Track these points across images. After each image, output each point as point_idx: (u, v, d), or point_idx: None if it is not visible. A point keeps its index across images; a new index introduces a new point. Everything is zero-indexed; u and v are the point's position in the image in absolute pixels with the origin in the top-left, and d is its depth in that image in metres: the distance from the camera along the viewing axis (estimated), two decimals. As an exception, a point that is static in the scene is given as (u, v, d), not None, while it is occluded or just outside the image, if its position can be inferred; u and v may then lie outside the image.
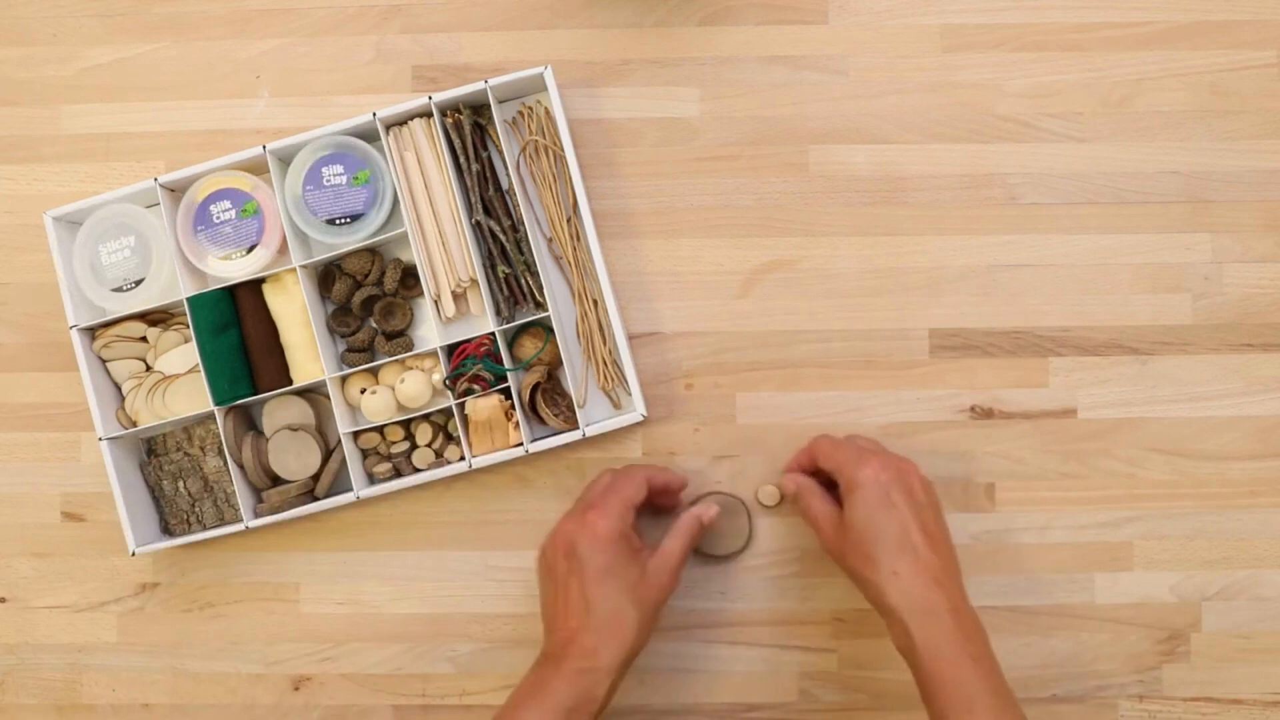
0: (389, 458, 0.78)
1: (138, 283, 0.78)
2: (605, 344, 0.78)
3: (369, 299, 0.78)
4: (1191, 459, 0.79)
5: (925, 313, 0.79)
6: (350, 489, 0.76)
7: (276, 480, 0.78)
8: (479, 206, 0.77)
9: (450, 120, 0.77)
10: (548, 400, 0.78)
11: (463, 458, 0.77)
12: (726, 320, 0.80)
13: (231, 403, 0.77)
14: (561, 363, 0.77)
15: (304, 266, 0.77)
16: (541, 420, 0.77)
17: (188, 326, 0.77)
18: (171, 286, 0.78)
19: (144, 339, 0.79)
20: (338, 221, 0.77)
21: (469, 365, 0.76)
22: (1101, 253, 0.79)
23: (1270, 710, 0.78)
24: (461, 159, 0.77)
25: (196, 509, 0.79)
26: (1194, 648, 0.78)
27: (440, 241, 0.77)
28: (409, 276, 0.79)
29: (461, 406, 0.76)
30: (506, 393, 0.77)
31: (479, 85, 0.76)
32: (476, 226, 0.78)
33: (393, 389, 0.77)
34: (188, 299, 0.76)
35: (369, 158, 0.77)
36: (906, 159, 0.80)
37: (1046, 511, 0.79)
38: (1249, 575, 0.78)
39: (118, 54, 0.82)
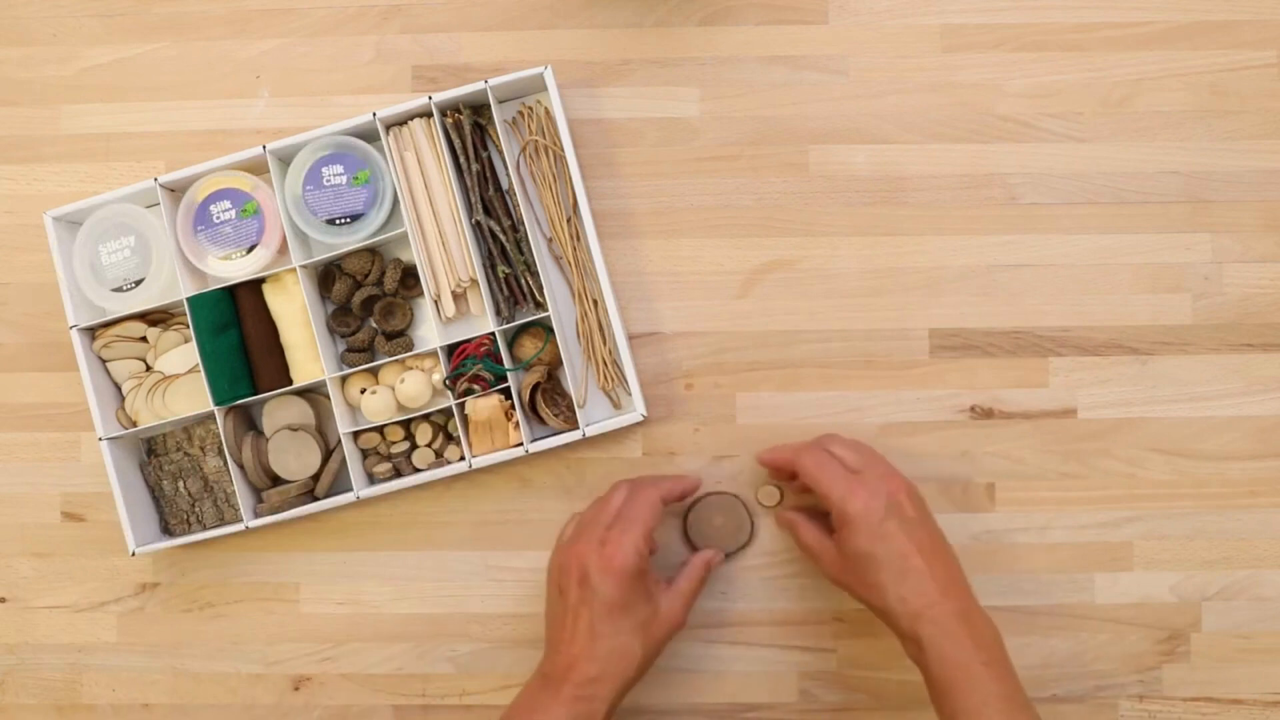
0: (389, 458, 0.78)
1: (138, 283, 0.78)
2: (605, 344, 0.78)
3: (369, 299, 0.78)
4: (1191, 459, 0.79)
5: (925, 313, 0.79)
6: (350, 489, 0.76)
7: (276, 480, 0.78)
8: (479, 206, 0.77)
9: (450, 120, 0.77)
10: (548, 400, 0.78)
11: (463, 458, 0.77)
12: (726, 320, 0.80)
13: (231, 403, 0.77)
14: (561, 363, 0.77)
15: (304, 266, 0.77)
16: (541, 420, 0.77)
17: (188, 326, 0.77)
18: (171, 286, 0.78)
19: (144, 339, 0.79)
20: (338, 221, 0.77)
21: (469, 365, 0.76)
22: (1101, 253, 0.79)
23: (1270, 710, 0.78)
24: (461, 159, 0.77)
25: (196, 509, 0.79)
26: (1194, 648, 0.78)
27: (440, 241, 0.77)
28: (409, 276, 0.79)
29: (461, 406, 0.76)
30: (506, 393, 0.77)
31: (479, 85, 0.76)
32: (476, 226, 0.78)
33: (393, 389, 0.77)
34: (188, 299, 0.76)
35: (369, 158, 0.77)
36: (906, 159, 0.80)
37: (1046, 511, 0.79)
38: (1249, 575, 0.78)
39: (118, 54, 0.82)
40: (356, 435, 0.78)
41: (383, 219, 0.77)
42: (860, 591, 0.69)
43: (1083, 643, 0.78)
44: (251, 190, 0.77)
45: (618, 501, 0.72)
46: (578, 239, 0.79)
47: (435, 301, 0.77)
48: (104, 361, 0.78)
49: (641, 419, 0.76)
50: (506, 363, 0.76)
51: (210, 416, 0.78)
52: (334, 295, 0.78)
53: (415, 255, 0.76)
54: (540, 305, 0.77)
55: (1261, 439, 0.79)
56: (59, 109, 0.82)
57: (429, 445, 0.78)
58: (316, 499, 0.78)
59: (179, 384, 0.78)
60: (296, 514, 0.76)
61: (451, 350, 0.78)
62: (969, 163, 0.80)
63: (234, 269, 0.77)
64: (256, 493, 0.78)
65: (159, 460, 0.79)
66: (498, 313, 0.77)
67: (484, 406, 0.76)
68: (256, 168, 0.78)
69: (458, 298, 0.78)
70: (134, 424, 0.78)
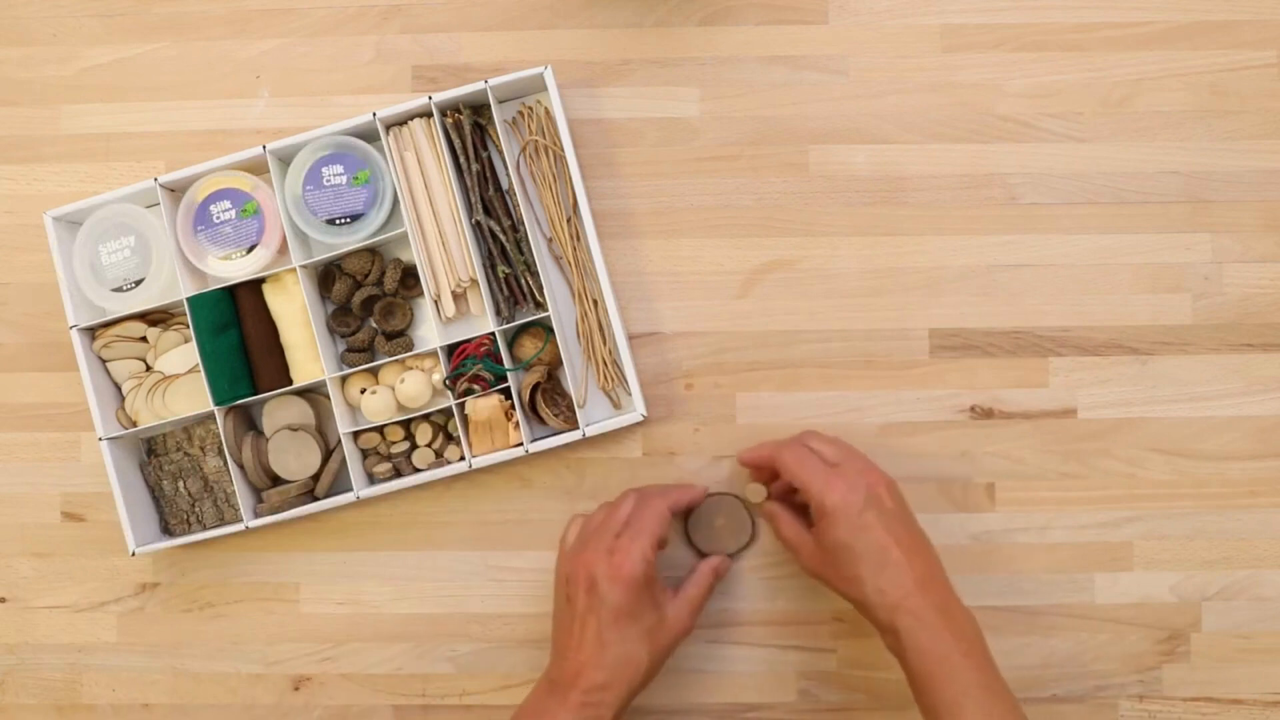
0: (389, 458, 0.78)
1: (138, 283, 0.78)
2: (605, 344, 0.78)
3: (369, 299, 0.78)
4: (1191, 459, 0.79)
5: (925, 313, 0.79)
6: (350, 489, 0.76)
7: (276, 480, 0.78)
8: (479, 206, 0.77)
9: (450, 120, 0.77)
10: (548, 400, 0.78)
11: (463, 458, 0.77)
12: (726, 320, 0.80)
13: (231, 403, 0.77)
14: (561, 363, 0.77)
15: (304, 266, 0.77)
16: (541, 420, 0.77)
17: (188, 326, 0.77)
18: (171, 286, 0.78)
19: (144, 339, 0.79)
20: (338, 221, 0.77)
21: (469, 365, 0.76)
22: (1101, 253, 0.79)
23: (1270, 710, 0.78)
24: (461, 159, 0.77)
25: (196, 509, 0.79)
26: (1194, 648, 0.78)
27: (440, 241, 0.77)
28: (409, 276, 0.79)
29: (461, 406, 0.76)
30: (506, 393, 0.77)
31: (479, 85, 0.76)
32: (476, 226, 0.78)
33: (393, 389, 0.77)
34: (188, 299, 0.76)
35: (369, 158, 0.77)
36: (906, 159, 0.80)
37: (1046, 511, 0.79)
38: (1249, 575, 0.78)
39: (118, 54, 0.82)
40: (356, 435, 0.78)
41: (383, 219, 0.77)
42: (839, 584, 0.69)
43: (1083, 643, 0.78)
44: (251, 190, 0.77)
45: (626, 510, 0.72)
46: (578, 239, 0.79)
47: (435, 301, 0.77)
48: (104, 361, 0.78)
49: (641, 419, 0.76)
50: (506, 363, 0.76)
51: (210, 416, 0.78)
52: (334, 295, 0.78)
53: (415, 255, 0.76)
54: (540, 305, 0.77)
55: (1261, 439, 0.79)
56: (59, 109, 0.82)
57: (429, 445, 0.78)
58: (316, 499, 0.78)
59: (179, 384, 0.78)
60: (296, 514, 0.76)
61: (451, 350, 0.78)
62: (969, 163, 0.80)
63: (234, 269, 0.77)
64: (256, 493, 0.78)
65: (159, 460, 0.79)
66: (498, 313, 0.77)
67: (484, 406, 0.76)
68: (256, 168, 0.78)
69: (458, 298, 0.78)
70: (134, 424, 0.78)
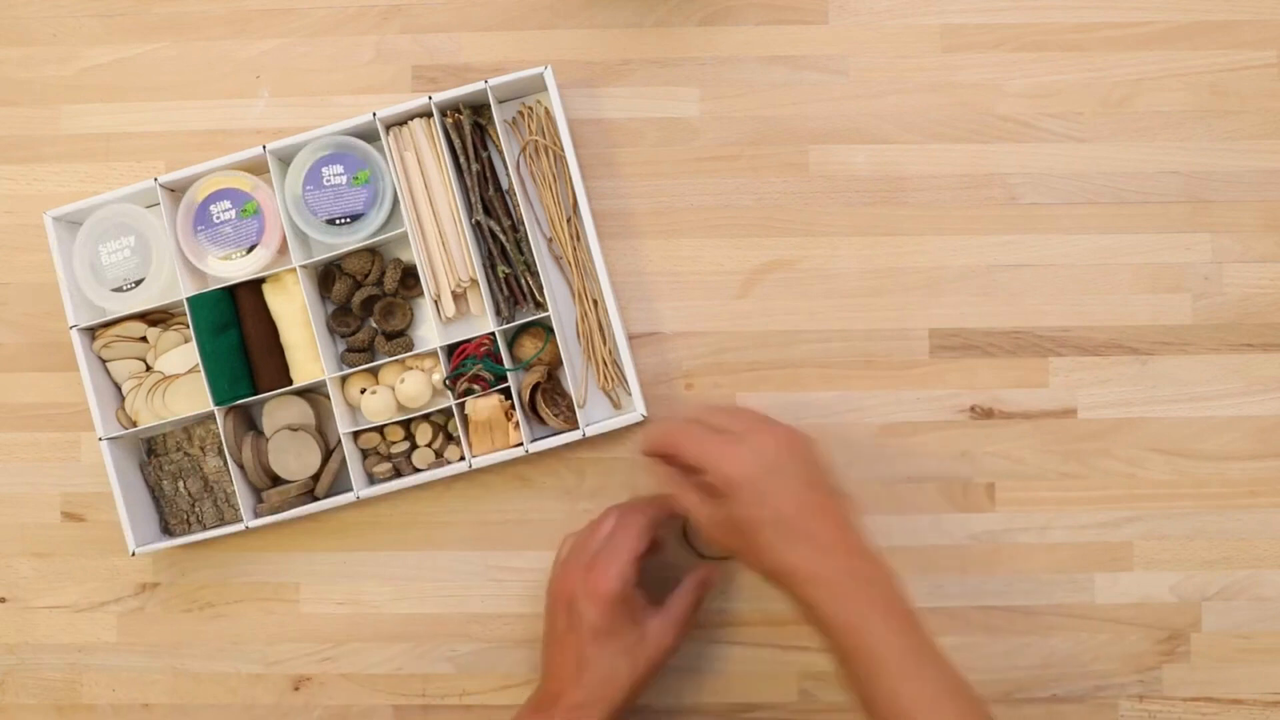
0: (389, 458, 0.78)
1: (138, 283, 0.78)
2: (605, 344, 0.78)
3: (369, 299, 0.78)
4: (1191, 459, 0.79)
5: (925, 313, 0.79)
6: (350, 489, 0.76)
7: (276, 480, 0.78)
8: (479, 206, 0.77)
9: (450, 120, 0.77)
10: (548, 400, 0.78)
11: (463, 458, 0.77)
12: (726, 320, 0.80)
13: (231, 403, 0.77)
14: (561, 363, 0.77)
15: (304, 266, 0.77)
16: (541, 420, 0.77)
17: (188, 326, 0.77)
18: (171, 286, 0.78)
19: (144, 339, 0.79)
20: (338, 221, 0.77)
21: (469, 365, 0.76)
22: (1101, 253, 0.79)
23: (1270, 710, 0.78)
24: (461, 159, 0.77)
25: (196, 509, 0.79)
26: (1194, 648, 0.78)
27: (440, 241, 0.77)
28: (409, 276, 0.79)
29: (461, 406, 0.76)
30: (506, 393, 0.77)
31: (479, 85, 0.76)
32: (476, 226, 0.78)
33: (393, 389, 0.77)
34: (188, 299, 0.76)
35: (369, 158, 0.77)
36: (906, 159, 0.80)
37: (1046, 511, 0.79)
38: (1249, 575, 0.78)
39: (118, 54, 0.82)
40: (356, 435, 0.78)
41: (383, 219, 0.77)
42: (747, 558, 0.66)
43: (1083, 643, 0.78)
44: (251, 190, 0.77)
45: (606, 528, 0.72)
46: (578, 239, 0.79)
47: (435, 301, 0.77)
48: (104, 361, 0.78)
49: (642, 419, 0.76)
50: (506, 363, 0.76)
51: (210, 416, 0.78)
52: (334, 295, 0.78)
53: (415, 255, 0.76)
54: (540, 305, 0.77)
55: (1261, 439, 0.79)
56: (59, 109, 0.82)
57: (429, 445, 0.78)
58: (316, 499, 0.78)
59: (179, 384, 0.78)
60: (296, 514, 0.76)
61: (451, 350, 0.78)
62: (969, 163, 0.80)
63: (234, 269, 0.77)
64: (256, 493, 0.78)
65: (159, 460, 0.79)
66: (498, 313, 0.77)
67: (484, 406, 0.76)
68: (256, 168, 0.78)
69: (458, 298, 0.78)
70: (134, 424, 0.78)
